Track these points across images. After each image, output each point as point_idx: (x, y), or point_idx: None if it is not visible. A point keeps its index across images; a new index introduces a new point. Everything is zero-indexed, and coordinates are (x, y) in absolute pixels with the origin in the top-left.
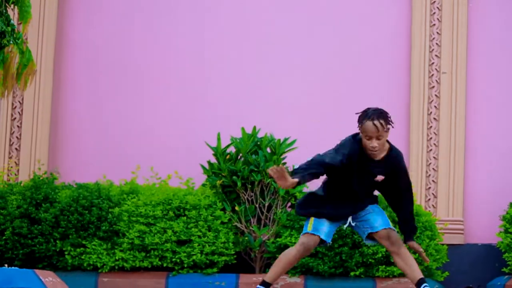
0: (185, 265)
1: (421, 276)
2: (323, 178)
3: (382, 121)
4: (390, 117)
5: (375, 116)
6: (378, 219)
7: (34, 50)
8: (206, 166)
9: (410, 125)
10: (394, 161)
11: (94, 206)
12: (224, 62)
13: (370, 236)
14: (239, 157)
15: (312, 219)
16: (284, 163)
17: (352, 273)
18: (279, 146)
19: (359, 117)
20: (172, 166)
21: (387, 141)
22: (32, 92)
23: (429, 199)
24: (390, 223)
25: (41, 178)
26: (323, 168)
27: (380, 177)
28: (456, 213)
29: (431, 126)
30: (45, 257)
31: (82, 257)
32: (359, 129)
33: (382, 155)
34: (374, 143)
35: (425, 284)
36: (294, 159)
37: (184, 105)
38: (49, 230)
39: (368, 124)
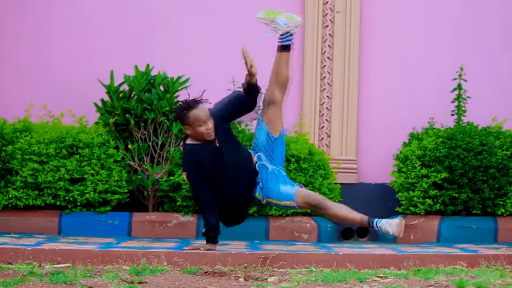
0: (78, 204)
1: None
2: None
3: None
4: None
5: (194, 103)
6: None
7: None
8: (99, 104)
9: (304, 64)
10: None
11: None
12: (118, 0)
13: None
14: (132, 95)
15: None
16: (177, 102)
17: None
18: (172, 84)
19: (178, 116)
20: (66, 104)
21: None
22: None
23: (323, 138)
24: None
25: None
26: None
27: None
28: (349, 152)
29: (324, 65)
30: None
31: None
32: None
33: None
34: (209, 124)
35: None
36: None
37: (77, 43)
38: None
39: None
